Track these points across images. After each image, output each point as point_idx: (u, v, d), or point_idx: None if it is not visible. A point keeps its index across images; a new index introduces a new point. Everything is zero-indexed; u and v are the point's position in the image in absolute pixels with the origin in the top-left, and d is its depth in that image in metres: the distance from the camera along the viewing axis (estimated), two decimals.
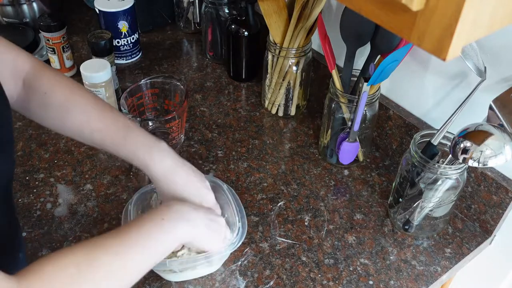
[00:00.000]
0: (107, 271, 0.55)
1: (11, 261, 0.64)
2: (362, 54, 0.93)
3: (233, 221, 0.77)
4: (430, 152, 0.79)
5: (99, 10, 1.16)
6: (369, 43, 0.85)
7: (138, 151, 0.70)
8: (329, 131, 0.95)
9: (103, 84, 0.99)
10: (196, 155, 0.99)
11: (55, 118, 0.71)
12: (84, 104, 0.71)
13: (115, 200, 0.89)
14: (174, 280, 0.77)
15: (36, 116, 0.71)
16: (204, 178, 0.77)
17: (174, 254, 0.74)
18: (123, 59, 1.22)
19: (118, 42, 1.18)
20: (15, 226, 0.68)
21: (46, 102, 0.69)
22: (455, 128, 0.73)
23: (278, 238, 0.84)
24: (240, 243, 0.74)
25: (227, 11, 1.17)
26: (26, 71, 0.69)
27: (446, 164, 0.75)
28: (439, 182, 0.77)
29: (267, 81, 1.06)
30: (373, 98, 0.88)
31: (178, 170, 0.72)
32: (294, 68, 1.01)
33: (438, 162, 0.78)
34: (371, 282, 0.78)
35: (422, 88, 0.90)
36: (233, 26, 1.10)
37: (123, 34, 1.18)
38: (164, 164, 0.71)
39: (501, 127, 0.69)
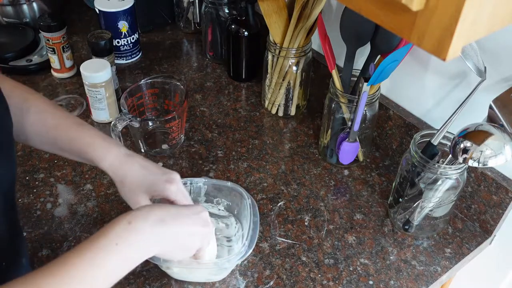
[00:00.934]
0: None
1: (14, 267, 0.63)
2: (362, 54, 0.93)
3: (243, 232, 0.77)
4: (430, 152, 0.79)
5: (99, 10, 1.16)
6: (369, 43, 0.85)
7: (93, 142, 0.69)
8: (329, 131, 0.95)
9: (103, 84, 0.99)
10: (196, 155, 0.99)
11: (15, 122, 0.68)
12: (39, 103, 0.71)
13: (115, 200, 0.89)
14: (180, 278, 0.77)
15: None
16: None
17: None
18: (123, 59, 1.22)
19: (118, 42, 1.18)
20: (18, 232, 0.68)
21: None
22: (455, 128, 0.73)
23: (278, 238, 0.84)
24: (248, 254, 0.72)
25: (227, 11, 1.17)
26: None
27: (446, 164, 0.75)
28: (439, 182, 0.77)
29: (267, 81, 1.06)
30: (373, 98, 0.88)
31: (135, 155, 0.71)
32: (294, 68, 1.01)
33: (438, 162, 0.78)
34: (371, 282, 0.78)
35: (422, 88, 0.90)
36: (233, 26, 1.10)
37: (123, 34, 1.18)
38: (121, 151, 0.70)
39: (501, 127, 0.69)
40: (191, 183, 0.82)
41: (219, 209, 0.84)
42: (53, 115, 0.71)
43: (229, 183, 0.81)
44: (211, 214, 0.81)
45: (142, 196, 0.69)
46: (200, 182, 0.83)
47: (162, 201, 0.72)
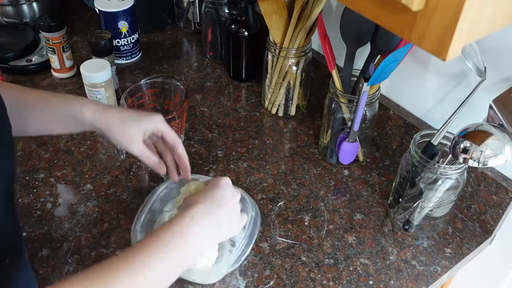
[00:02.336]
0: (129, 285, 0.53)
1: (17, 262, 0.64)
2: (362, 54, 0.93)
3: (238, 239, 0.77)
4: (430, 152, 0.79)
5: (99, 10, 1.16)
6: (369, 43, 0.85)
7: (72, 99, 0.72)
8: (329, 131, 0.95)
9: (103, 84, 0.99)
10: (196, 155, 0.99)
11: None
12: (8, 86, 0.73)
13: (115, 200, 0.89)
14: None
15: None
16: None
17: None
18: (123, 59, 1.22)
19: (118, 42, 1.18)
20: (18, 229, 0.68)
21: None
22: (455, 128, 0.73)
23: (278, 238, 0.84)
24: (237, 264, 0.73)
25: (227, 11, 1.17)
26: None
27: (446, 164, 0.75)
28: (439, 182, 0.77)
29: (267, 81, 1.06)
30: (373, 98, 0.88)
31: (115, 106, 0.74)
32: (294, 68, 1.01)
33: (438, 162, 0.78)
34: (371, 282, 0.78)
35: (422, 88, 0.90)
36: (233, 26, 1.10)
37: (123, 34, 1.18)
38: (99, 104, 0.72)
39: (501, 127, 0.69)
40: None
41: None
42: (21, 91, 0.72)
43: (239, 190, 0.81)
44: None
45: (136, 137, 0.72)
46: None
47: (152, 136, 0.75)
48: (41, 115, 0.72)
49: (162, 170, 0.76)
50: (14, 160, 0.62)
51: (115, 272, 0.53)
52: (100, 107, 0.72)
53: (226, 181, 0.71)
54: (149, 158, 0.74)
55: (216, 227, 0.65)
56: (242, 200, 0.80)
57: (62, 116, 0.72)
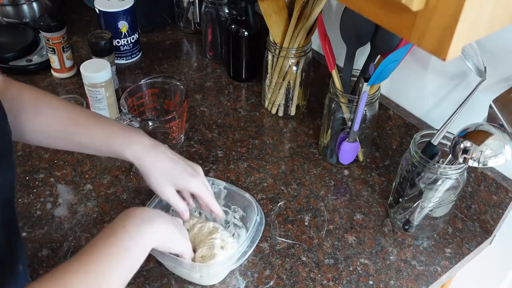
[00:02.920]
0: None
1: (12, 275, 0.63)
2: (362, 54, 0.93)
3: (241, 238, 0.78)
4: (430, 152, 0.79)
5: (99, 10, 1.16)
6: (369, 43, 0.85)
7: (114, 132, 0.69)
8: (329, 131, 0.95)
9: (103, 84, 0.99)
10: (196, 155, 0.99)
11: (26, 121, 0.68)
12: (52, 101, 0.71)
13: (115, 200, 0.89)
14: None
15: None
16: None
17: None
18: (123, 59, 1.22)
19: (118, 42, 1.18)
20: (17, 239, 0.67)
21: (15, 106, 0.68)
22: (455, 128, 0.73)
23: (278, 238, 0.84)
24: (241, 261, 0.73)
25: (227, 11, 1.17)
26: None
27: (446, 164, 0.75)
28: (439, 182, 0.77)
29: (267, 81, 1.06)
30: (373, 98, 0.88)
31: (160, 145, 0.72)
32: (294, 68, 1.01)
33: (438, 162, 0.78)
34: (371, 282, 0.78)
35: (422, 88, 0.90)
36: (233, 26, 1.10)
37: (123, 34, 1.18)
38: (144, 141, 0.70)
39: (501, 127, 0.69)
40: (212, 183, 0.82)
41: (235, 217, 0.83)
42: (68, 111, 0.71)
43: (247, 194, 0.80)
44: (226, 222, 0.83)
45: (168, 187, 0.71)
46: (221, 185, 0.82)
47: (185, 193, 0.75)
48: (78, 138, 0.71)
49: (186, 217, 0.75)
50: (14, 170, 0.62)
51: (71, 273, 0.53)
52: (143, 150, 0.70)
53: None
54: (178, 205, 0.74)
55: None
56: (248, 203, 0.80)
57: (100, 148, 0.71)
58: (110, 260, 0.56)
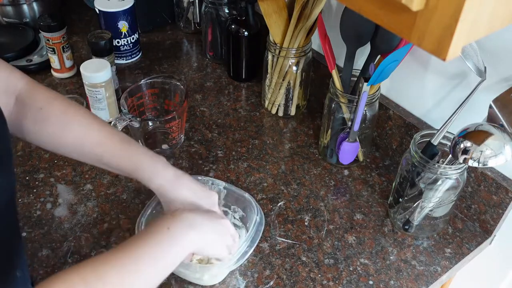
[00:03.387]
0: (116, 285, 0.54)
1: (8, 280, 0.62)
2: (362, 54, 0.93)
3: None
4: (430, 152, 0.79)
5: (99, 10, 1.16)
6: (369, 43, 0.85)
7: (141, 162, 0.69)
8: (329, 131, 0.95)
9: (103, 84, 0.99)
10: (196, 155, 0.99)
11: (52, 134, 0.69)
12: (82, 117, 0.70)
13: (115, 200, 0.89)
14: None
15: (30, 134, 0.69)
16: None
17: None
18: (123, 59, 1.22)
19: (118, 42, 1.18)
20: (16, 244, 0.67)
21: (43, 117, 0.68)
22: (455, 128, 0.73)
23: (278, 238, 0.84)
24: (242, 261, 0.73)
25: (227, 11, 1.17)
26: (19, 89, 0.68)
27: (446, 164, 0.75)
28: (439, 182, 0.77)
29: (267, 81, 1.06)
30: (373, 98, 0.88)
31: (183, 177, 0.71)
32: (294, 68, 1.01)
33: (438, 162, 0.78)
34: (371, 282, 0.78)
35: (422, 88, 0.90)
36: (233, 26, 1.10)
37: (123, 34, 1.18)
38: (169, 173, 0.70)
39: (501, 127, 0.69)
40: (212, 183, 0.82)
41: (234, 217, 0.83)
42: (98, 132, 0.70)
43: (246, 194, 0.80)
44: None
45: None
46: (221, 185, 0.82)
47: None
48: (105, 160, 0.70)
49: None
50: (14, 175, 0.61)
51: (109, 265, 0.55)
52: (168, 182, 0.70)
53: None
54: None
55: (198, 240, 0.66)
56: (248, 203, 0.80)
57: (126, 173, 0.72)
58: (148, 260, 0.58)
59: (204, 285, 0.77)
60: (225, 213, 0.82)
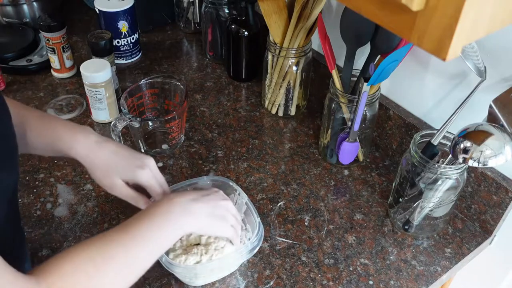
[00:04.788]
0: (121, 264, 0.58)
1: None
2: (362, 54, 0.93)
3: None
4: (430, 152, 0.79)
5: (99, 10, 1.16)
6: (369, 43, 0.85)
7: (60, 133, 0.70)
8: (329, 131, 0.95)
9: (103, 84, 0.99)
10: (196, 155, 0.99)
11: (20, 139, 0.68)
12: (18, 108, 0.70)
13: (115, 200, 0.89)
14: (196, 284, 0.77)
15: None
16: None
17: (190, 250, 0.74)
18: (123, 59, 1.22)
19: (118, 42, 1.18)
20: (21, 238, 0.67)
21: None
22: (455, 128, 0.73)
23: (278, 238, 0.84)
24: (258, 247, 0.74)
25: (227, 11, 1.17)
26: None
27: (446, 164, 0.75)
28: (439, 182, 0.77)
29: (267, 81, 1.06)
30: (373, 98, 0.88)
31: (107, 142, 0.72)
32: (294, 68, 1.01)
33: (438, 162, 0.78)
34: (371, 282, 0.78)
35: (422, 88, 0.90)
36: (233, 26, 1.10)
37: (123, 34, 1.18)
38: (90, 139, 0.71)
39: (501, 127, 0.69)
40: (239, 194, 0.81)
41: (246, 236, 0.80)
42: (17, 112, 0.69)
43: (259, 219, 0.77)
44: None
45: (115, 179, 0.71)
46: (245, 199, 0.80)
47: (133, 186, 0.74)
48: (29, 141, 0.71)
49: (141, 206, 0.75)
50: (18, 170, 0.62)
51: (113, 244, 0.59)
52: (88, 147, 0.71)
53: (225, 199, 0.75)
54: (137, 202, 0.74)
55: (204, 215, 0.69)
56: (248, 213, 0.79)
57: (51, 149, 0.72)
58: (148, 241, 0.62)
59: (196, 285, 0.77)
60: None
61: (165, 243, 0.65)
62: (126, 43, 1.20)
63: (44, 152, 0.75)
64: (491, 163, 0.67)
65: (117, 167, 0.71)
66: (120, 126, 0.88)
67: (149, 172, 0.72)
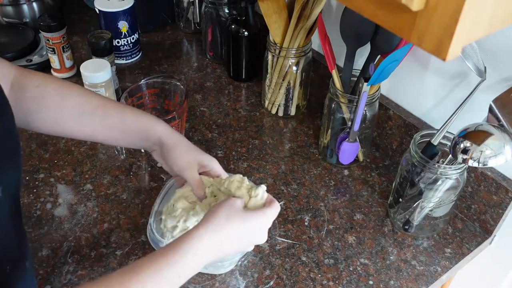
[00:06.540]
0: None
1: (19, 271, 0.63)
2: (362, 54, 0.93)
3: None
4: (430, 152, 0.79)
5: (99, 10, 1.16)
6: (369, 43, 0.85)
7: (141, 112, 0.75)
8: (329, 131, 0.95)
9: (103, 84, 0.99)
10: None
11: (53, 106, 0.70)
12: (79, 88, 0.74)
13: (115, 200, 0.89)
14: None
15: (31, 114, 0.70)
16: None
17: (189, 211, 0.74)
18: (123, 59, 1.22)
19: (118, 42, 1.18)
20: (23, 235, 0.68)
21: (41, 93, 0.70)
22: (455, 128, 0.73)
23: (278, 238, 0.84)
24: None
25: (227, 11, 1.17)
26: (13, 74, 0.69)
27: (446, 164, 0.75)
28: (439, 182, 0.77)
29: (267, 81, 1.06)
30: (373, 98, 0.88)
31: (178, 134, 0.76)
32: (294, 68, 1.01)
33: (438, 162, 0.78)
34: (371, 282, 0.78)
35: (422, 88, 0.90)
36: (233, 26, 1.10)
37: (123, 34, 1.18)
38: (166, 126, 0.75)
39: (501, 127, 0.69)
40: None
41: None
42: (96, 96, 0.75)
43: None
44: None
45: (195, 159, 0.74)
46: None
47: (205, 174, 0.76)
48: (107, 121, 0.74)
49: (200, 194, 0.75)
50: (21, 168, 0.62)
51: (134, 275, 0.56)
52: (169, 129, 0.75)
53: (274, 213, 0.69)
54: (199, 188, 0.74)
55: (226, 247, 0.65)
56: None
57: (130, 127, 0.75)
58: (171, 278, 0.58)
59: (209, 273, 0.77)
60: None
61: (186, 276, 0.61)
62: (126, 43, 1.20)
63: (118, 132, 0.76)
64: (491, 163, 0.67)
65: (197, 149, 0.75)
66: None
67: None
